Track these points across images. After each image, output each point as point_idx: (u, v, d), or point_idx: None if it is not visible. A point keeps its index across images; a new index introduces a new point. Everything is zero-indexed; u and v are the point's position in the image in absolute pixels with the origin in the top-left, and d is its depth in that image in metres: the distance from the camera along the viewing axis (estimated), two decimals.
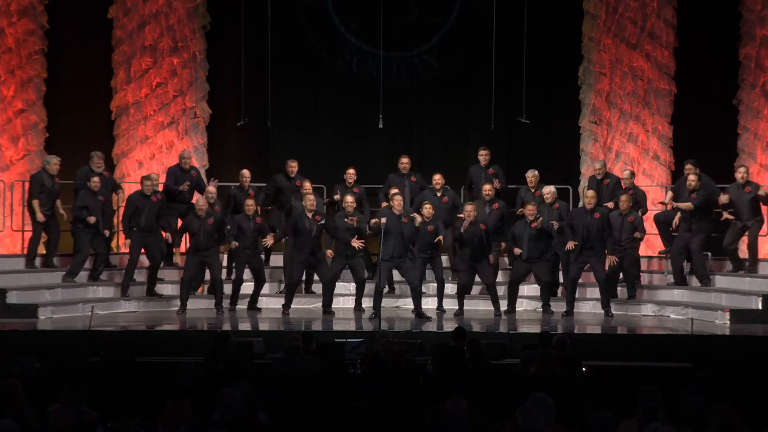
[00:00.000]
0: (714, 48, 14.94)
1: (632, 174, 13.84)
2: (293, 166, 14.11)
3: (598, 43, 15.21)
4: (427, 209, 13.06)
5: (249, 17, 14.92)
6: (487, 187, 13.69)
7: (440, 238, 12.91)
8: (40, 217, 13.12)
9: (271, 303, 13.80)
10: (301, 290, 13.74)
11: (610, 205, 13.62)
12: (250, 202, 13.28)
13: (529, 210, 13.18)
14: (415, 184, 14.12)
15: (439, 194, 13.88)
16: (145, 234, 13.32)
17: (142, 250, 13.47)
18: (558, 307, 13.30)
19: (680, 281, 13.46)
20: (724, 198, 13.29)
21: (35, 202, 13.15)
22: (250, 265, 13.34)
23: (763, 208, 13.44)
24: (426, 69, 16.00)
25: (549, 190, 13.54)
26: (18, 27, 14.41)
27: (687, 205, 13.13)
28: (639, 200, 13.71)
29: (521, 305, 13.49)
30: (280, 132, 15.38)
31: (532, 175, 13.89)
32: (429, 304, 13.41)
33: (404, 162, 14.21)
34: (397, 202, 12.93)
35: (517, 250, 13.10)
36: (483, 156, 14.14)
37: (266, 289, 13.85)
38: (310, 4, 15.90)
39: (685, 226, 13.20)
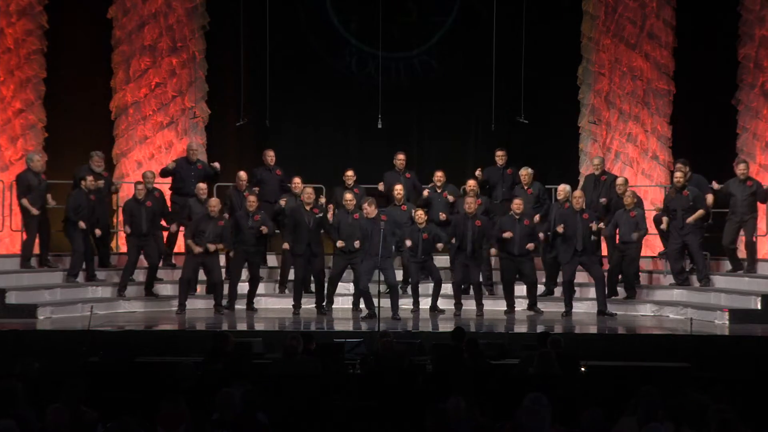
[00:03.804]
0: (713, 48, 14.95)
1: (626, 181, 13.82)
2: (271, 155, 14.11)
3: (597, 43, 15.22)
4: (419, 215, 13.07)
5: (248, 17, 14.90)
6: (471, 182, 13.69)
7: (440, 245, 12.99)
8: (34, 211, 13.12)
9: (270, 303, 13.81)
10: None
11: (605, 201, 13.71)
12: (252, 198, 13.20)
13: (517, 204, 13.15)
14: (409, 181, 14.11)
15: (439, 191, 13.91)
16: (143, 238, 13.32)
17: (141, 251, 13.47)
18: (555, 306, 13.29)
19: (682, 281, 13.45)
20: (710, 199, 13.34)
21: (25, 200, 13.15)
22: (249, 263, 13.23)
23: (760, 207, 13.46)
24: (426, 69, 16.00)
25: (563, 188, 13.52)
26: (17, 27, 14.41)
27: (700, 213, 13.10)
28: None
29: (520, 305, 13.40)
30: (279, 132, 15.36)
31: (525, 172, 13.91)
32: (425, 303, 13.38)
33: (400, 158, 14.22)
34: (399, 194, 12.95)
35: (508, 234, 12.92)
36: (500, 156, 14.13)
37: (266, 289, 13.85)
38: (310, 4, 15.90)
39: (677, 224, 13.19)
